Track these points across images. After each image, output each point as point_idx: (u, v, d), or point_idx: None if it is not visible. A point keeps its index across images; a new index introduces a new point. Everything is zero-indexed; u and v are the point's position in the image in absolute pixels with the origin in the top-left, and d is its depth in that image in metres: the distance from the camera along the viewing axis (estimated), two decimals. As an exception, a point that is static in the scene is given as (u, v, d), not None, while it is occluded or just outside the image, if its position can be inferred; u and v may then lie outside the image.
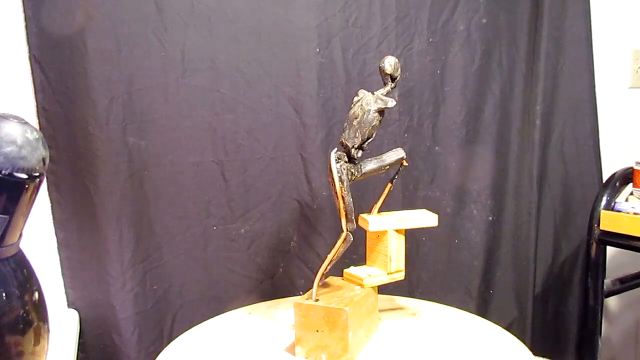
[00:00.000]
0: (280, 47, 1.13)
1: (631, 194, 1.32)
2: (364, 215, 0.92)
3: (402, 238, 0.91)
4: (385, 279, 0.90)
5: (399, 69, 0.86)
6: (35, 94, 1.00)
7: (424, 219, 0.93)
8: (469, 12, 1.28)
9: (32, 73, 1.00)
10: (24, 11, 0.98)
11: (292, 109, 1.16)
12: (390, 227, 0.89)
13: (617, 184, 1.33)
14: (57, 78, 1.00)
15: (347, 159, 0.86)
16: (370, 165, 0.89)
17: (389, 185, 0.93)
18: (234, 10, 1.10)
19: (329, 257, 0.85)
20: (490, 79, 1.32)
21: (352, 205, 0.84)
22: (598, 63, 1.44)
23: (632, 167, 1.32)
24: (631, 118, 1.59)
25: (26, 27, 0.98)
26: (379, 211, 0.93)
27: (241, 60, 1.11)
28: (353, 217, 0.85)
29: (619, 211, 1.25)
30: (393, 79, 0.86)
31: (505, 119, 1.34)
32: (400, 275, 0.92)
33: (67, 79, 1.01)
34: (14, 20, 0.98)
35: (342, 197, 0.83)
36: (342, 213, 0.84)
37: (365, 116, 0.83)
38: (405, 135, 1.26)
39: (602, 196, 1.31)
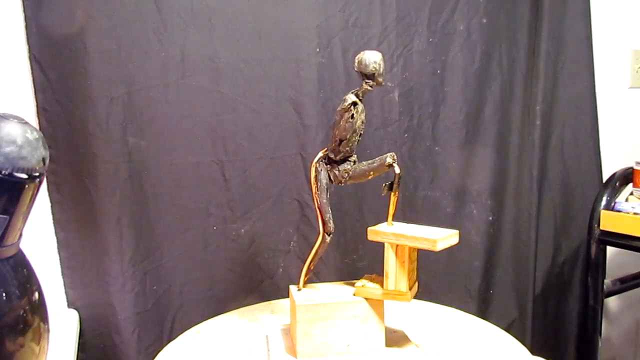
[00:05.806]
0: (280, 47, 1.13)
1: (631, 194, 1.32)
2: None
3: (402, 256, 0.79)
4: (379, 295, 0.82)
5: (372, 65, 0.77)
6: (35, 94, 1.00)
7: (429, 241, 0.76)
8: (469, 12, 1.28)
9: (32, 73, 1.00)
10: (24, 11, 0.98)
11: (292, 109, 1.16)
12: (384, 240, 0.80)
13: (617, 184, 1.33)
14: (57, 78, 1.00)
15: (327, 161, 0.85)
16: (358, 169, 0.83)
17: (391, 194, 0.81)
18: (234, 10, 1.10)
19: (310, 255, 0.86)
20: (490, 79, 1.32)
21: (327, 206, 0.84)
22: (598, 63, 1.44)
23: (632, 167, 1.32)
24: (631, 118, 1.59)
25: (26, 27, 0.98)
26: (393, 220, 0.83)
27: (241, 60, 1.11)
28: (328, 218, 0.84)
29: (619, 211, 1.25)
30: (366, 76, 0.78)
31: (505, 119, 1.34)
32: (404, 297, 0.80)
33: (67, 79, 1.01)
34: (14, 20, 0.98)
35: (315, 197, 0.84)
36: (317, 213, 0.85)
37: (335, 117, 0.82)
38: (405, 135, 1.26)
39: (602, 196, 1.31)
